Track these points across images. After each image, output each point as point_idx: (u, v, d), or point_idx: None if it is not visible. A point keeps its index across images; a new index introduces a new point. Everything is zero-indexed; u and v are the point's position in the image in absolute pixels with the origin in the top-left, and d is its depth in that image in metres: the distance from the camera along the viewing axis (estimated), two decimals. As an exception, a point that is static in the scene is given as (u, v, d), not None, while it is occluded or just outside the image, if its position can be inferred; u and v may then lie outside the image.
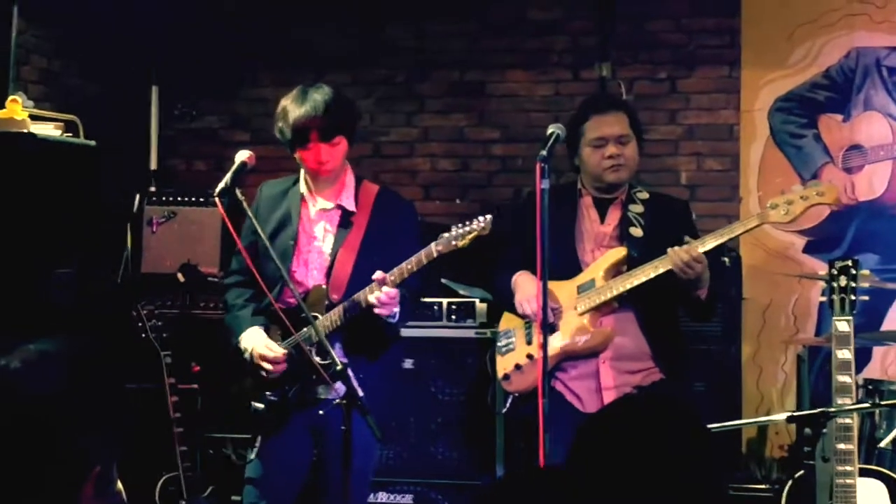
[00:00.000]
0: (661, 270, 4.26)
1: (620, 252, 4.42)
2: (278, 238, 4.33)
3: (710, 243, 4.26)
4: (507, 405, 4.62)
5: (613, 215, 4.52)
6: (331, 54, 7.07)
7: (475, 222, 4.06)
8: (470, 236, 4.04)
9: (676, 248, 4.23)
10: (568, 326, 4.41)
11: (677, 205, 4.69)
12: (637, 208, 4.51)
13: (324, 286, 4.28)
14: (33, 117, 5.36)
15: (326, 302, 4.25)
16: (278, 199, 4.42)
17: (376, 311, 4.13)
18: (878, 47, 6.41)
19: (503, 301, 4.62)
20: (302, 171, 4.41)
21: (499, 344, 4.62)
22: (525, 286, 4.41)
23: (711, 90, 6.70)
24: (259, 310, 4.38)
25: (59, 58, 6.61)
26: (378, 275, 4.11)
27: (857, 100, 6.44)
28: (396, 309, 4.18)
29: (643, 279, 4.30)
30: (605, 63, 6.68)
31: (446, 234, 4.08)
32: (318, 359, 4.09)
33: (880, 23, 6.41)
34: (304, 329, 4.20)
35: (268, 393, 4.32)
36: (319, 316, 4.22)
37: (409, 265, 4.11)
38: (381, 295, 4.10)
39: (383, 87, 7.05)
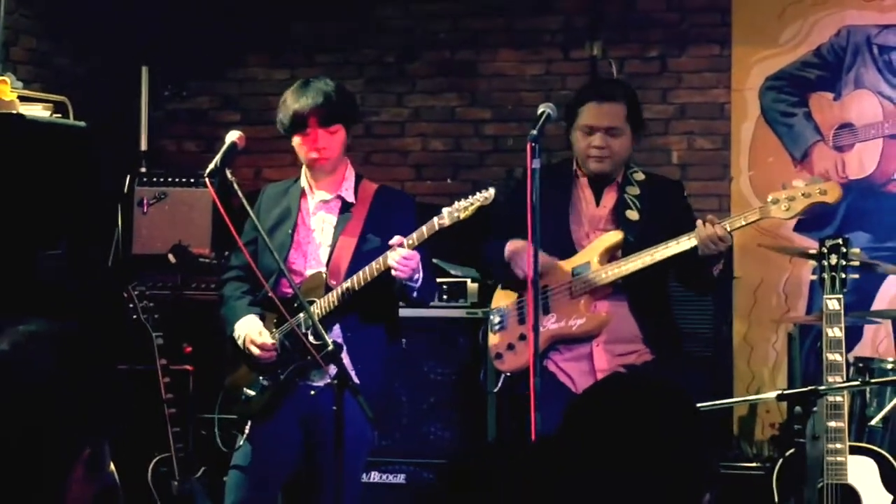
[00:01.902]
0: (686, 247, 4.23)
1: (617, 236, 4.40)
2: (277, 231, 4.36)
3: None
4: (500, 384, 4.63)
5: (609, 197, 4.50)
6: (321, 34, 7.05)
7: (478, 194, 4.08)
8: (472, 207, 4.07)
9: (706, 223, 4.20)
10: (562, 309, 4.40)
11: (672, 186, 4.69)
12: (633, 190, 4.49)
13: (322, 272, 4.29)
14: (22, 98, 5.35)
15: (325, 287, 4.27)
16: (279, 197, 4.47)
17: (395, 273, 4.12)
18: (869, 25, 6.40)
19: (494, 270, 4.59)
20: (303, 169, 4.43)
21: (491, 322, 4.62)
22: (521, 247, 4.36)
23: (702, 69, 6.69)
24: (255, 301, 4.40)
25: (49, 38, 6.58)
26: (396, 239, 4.13)
27: (847, 78, 6.43)
28: (419, 275, 4.20)
29: (639, 265, 4.29)
30: (596, 42, 6.67)
31: (448, 208, 4.09)
32: (312, 339, 4.10)
33: (870, 1, 6.40)
34: (300, 314, 4.21)
35: (261, 378, 4.34)
36: (317, 300, 4.23)
37: (419, 234, 4.13)
38: (398, 257, 4.10)
39: (374, 67, 7.04)
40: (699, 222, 4.23)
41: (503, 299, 4.59)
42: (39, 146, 5.26)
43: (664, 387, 1.98)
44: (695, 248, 4.24)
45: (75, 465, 1.84)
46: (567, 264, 4.42)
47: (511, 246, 4.43)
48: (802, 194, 4.23)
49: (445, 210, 4.10)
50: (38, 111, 5.36)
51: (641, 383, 2.04)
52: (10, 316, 1.92)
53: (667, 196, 4.55)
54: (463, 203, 4.08)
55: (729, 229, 4.22)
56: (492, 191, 4.08)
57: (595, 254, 4.40)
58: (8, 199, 5.10)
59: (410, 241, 4.14)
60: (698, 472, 1.93)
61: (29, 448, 1.80)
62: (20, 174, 5.14)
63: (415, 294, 4.27)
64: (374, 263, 4.18)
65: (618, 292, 4.40)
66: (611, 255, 4.40)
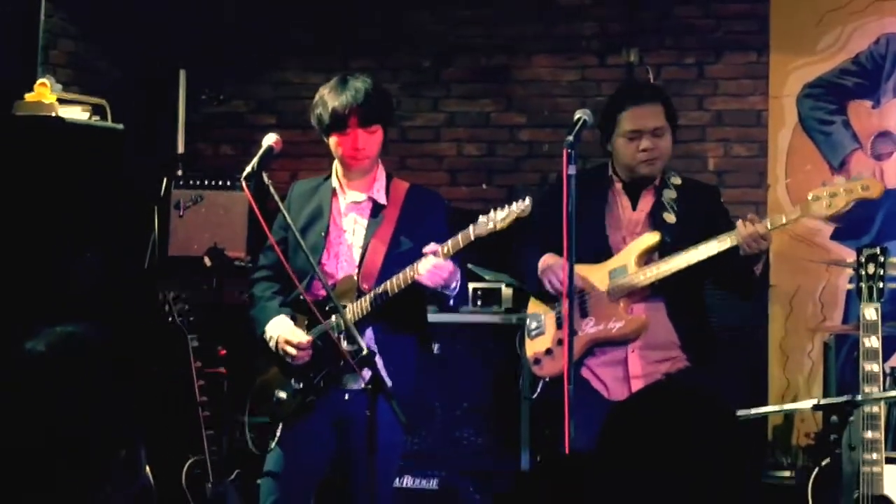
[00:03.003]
0: (725, 247, 4.21)
1: (654, 237, 4.38)
2: (309, 232, 4.30)
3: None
4: (539, 390, 4.60)
5: (646, 201, 4.49)
6: (357, 39, 7.07)
7: (514, 205, 4.04)
8: (509, 218, 4.02)
9: (746, 222, 4.18)
10: (601, 312, 4.38)
11: (709, 190, 4.68)
12: (671, 194, 4.47)
13: (354, 276, 4.28)
14: (61, 101, 5.40)
15: (357, 291, 4.24)
16: (309, 196, 4.41)
17: (423, 281, 4.09)
18: (909, 33, 6.36)
19: (527, 279, 4.57)
20: (334, 166, 4.39)
21: (528, 327, 4.60)
22: (553, 263, 4.37)
23: (739, 76, 6.66)
24: (285, 302, 4.37)
25: (88, 42, 6.62)
26: (431, 247, 4.09)
27: (886, 86, 6.38)
28: (456, 283, 4.18)
29: (678, 266, 4.27)
30: (633, 48, 6.65)
31: (484, 217, 4.06)
32: (345, 344, 4.09)
33: (911, 9, 6.35)
34: (332, 318, 4.19)
35: (293, 381, 4.32)
36: (349, 304, 4.21)
37: (454, 243, 4.10)
38: (430, 266, 4.07)
39: (409, 72, 7.04)
40: (740, 221, 4.21)
41: (539, 305, 4.57)
42: (78, 148, 5.29)
43: (703, 396, 1.97)
44: (733, 251, 4.21)
45: (111, 466, 1.84)
46: (604, 267, 4.40)
47: (543, 263, 4.42)
48: (844, 190, 4.19)
49: (481, 219, 4.06)
50: (76, 113, 5.41)
51: (680, 393, 2.03)
52: (47, 317, 1.93)
53: (703, 200, 4.54)
54: (500, 213, 4.04)
55: (770, 227, 4.19)
56: (528, 201, 4.03)
57: (632, 256, 4.37)
58: (47, 201, 5.13)
59: (445, 250, 4.10)
60: (737, 481, 1.92)
61: (65, 448, 1.81)
62: (59, 176, 5.17)
63: (451, 302, 4.26)
64: (407, 269, 4.15)
65: (655, 296, 4.38)
66: (648, 258, 4.38)
